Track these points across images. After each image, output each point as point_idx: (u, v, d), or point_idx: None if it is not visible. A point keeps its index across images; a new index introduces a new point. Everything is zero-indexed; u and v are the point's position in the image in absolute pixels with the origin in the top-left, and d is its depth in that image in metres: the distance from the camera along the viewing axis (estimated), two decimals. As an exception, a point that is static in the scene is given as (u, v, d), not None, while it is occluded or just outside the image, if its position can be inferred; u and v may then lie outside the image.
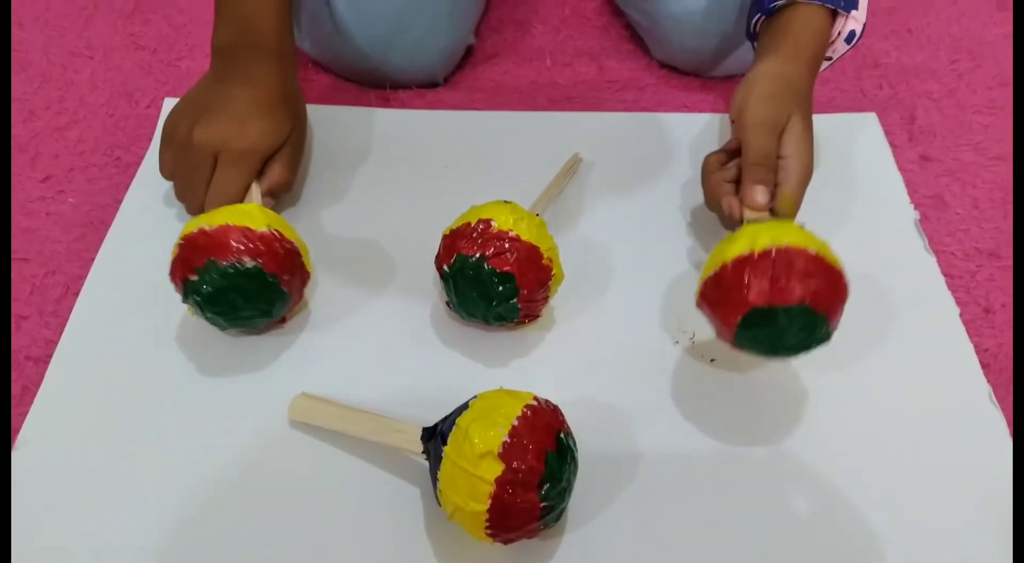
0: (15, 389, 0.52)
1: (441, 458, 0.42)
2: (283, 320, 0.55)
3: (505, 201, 0.53)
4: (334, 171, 0.64)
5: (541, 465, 0.40)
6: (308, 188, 0.63)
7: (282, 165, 0.56)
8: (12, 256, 0.59)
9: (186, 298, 0.50)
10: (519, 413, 0.41)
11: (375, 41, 0.67)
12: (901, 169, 0.65)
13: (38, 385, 0.51)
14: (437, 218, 0.54)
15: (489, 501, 0.40)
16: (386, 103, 0.69)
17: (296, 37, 0.71)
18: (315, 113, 0.67)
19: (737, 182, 0.54)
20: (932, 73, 0.73)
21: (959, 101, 0.71)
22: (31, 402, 0.50)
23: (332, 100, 0.69)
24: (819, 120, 0.68)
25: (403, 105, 0.69)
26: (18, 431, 0.49)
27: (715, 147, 0.67)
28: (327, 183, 0.63)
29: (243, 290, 0.49)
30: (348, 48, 0.68)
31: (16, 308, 0.56)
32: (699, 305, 0.49)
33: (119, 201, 0.61)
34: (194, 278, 0.48)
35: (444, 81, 0.72)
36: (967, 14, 0.79)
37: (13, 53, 0.74)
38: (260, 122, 0.54)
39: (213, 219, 0.50)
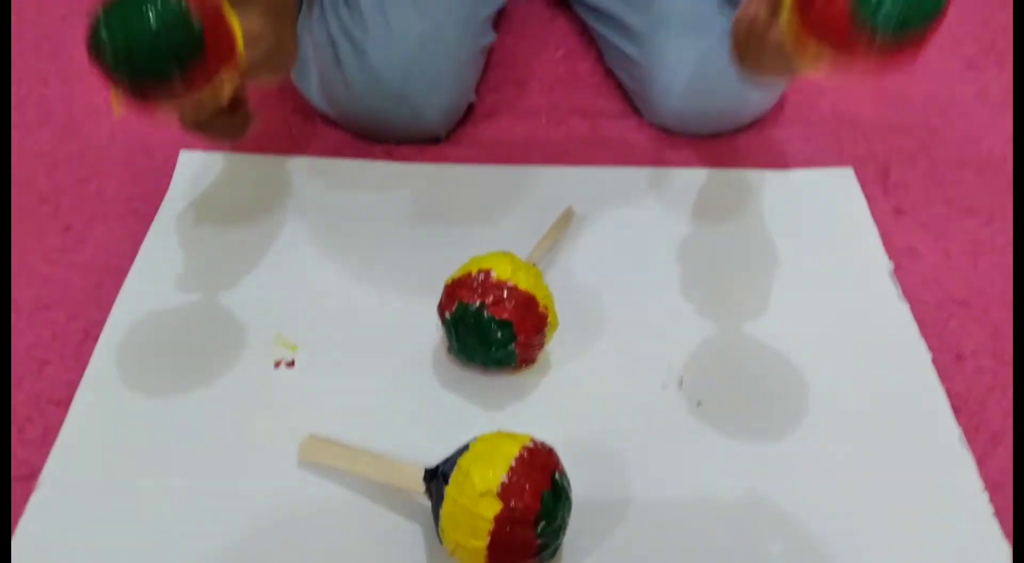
0: (37, 430, 0.54)
1: (443, 497, 0.45)
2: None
3: (504, 252, 0.56)
4: (342, 221, 0.67)
5: (537, 504, 0.43)
6: (317, 237, 0.66)
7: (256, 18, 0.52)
8: (35, 303, 0.62)
9: (90, 52, 0.45)
10: (517, 454, 0.44)
11: (383, 100, 0.71)
12: (876, 221, 0.69)
13: (60, 427, 0.54)
14: (439, 267, 0.57)
15: (488, 538, 0.43)
16: (392, 157, 0.73)
17: (308, 92, 0.75)
18: (325, 166, 0.72)
19: None
20: (905, 130, 0.78)
21: (931, 156, 0.75)
22: (52, 444, 0.53)
23: (342, 153, 0.73)
24: (798, 174, 0.72)
25: (408, 159, 0.73)
26: (39, 471, 0.52)
27: (704, 200, 0.71)
28: (336, 232, 0.66)
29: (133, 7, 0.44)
30: (357, 106, 0.72)
31: (39, 353, 0.59)
32: (812, 45, 0.43)
33: (136, 249, 0.65)
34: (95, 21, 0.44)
35: (446, 137, 0.75)
36: (938, 75, 0.84)
37: (37, 109, 0.78)
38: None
39: None
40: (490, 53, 0.81)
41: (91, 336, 0.59)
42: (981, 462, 0.54)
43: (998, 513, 0.51)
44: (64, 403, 0.55)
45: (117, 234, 0.67)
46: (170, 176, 0.71)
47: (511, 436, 0.46)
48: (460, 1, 0.73)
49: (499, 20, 0.80)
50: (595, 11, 0.81)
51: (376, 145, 0.74)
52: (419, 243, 0.66)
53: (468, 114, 0.77)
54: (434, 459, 0.47)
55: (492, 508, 0.43)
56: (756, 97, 0.74)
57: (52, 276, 0.64)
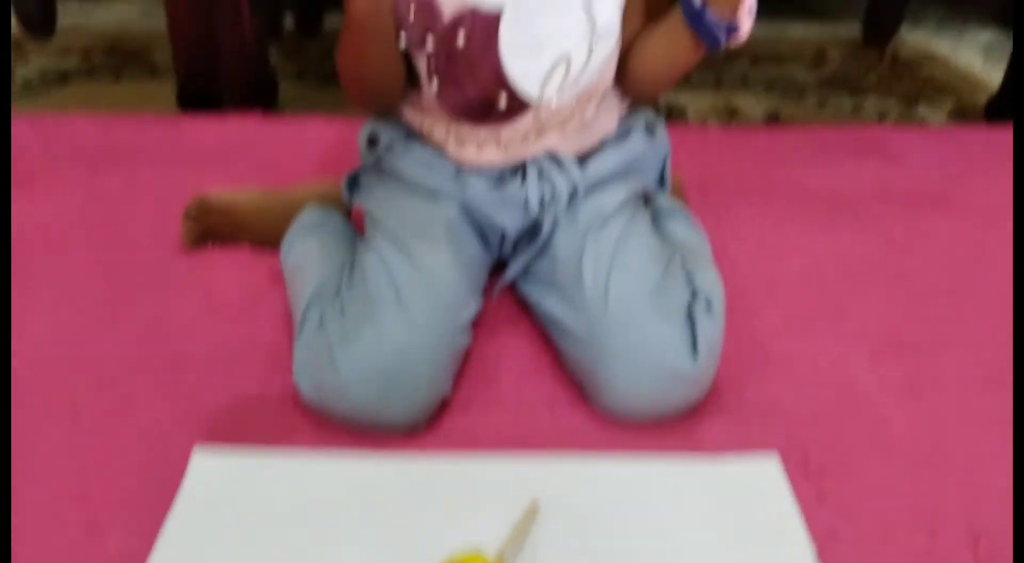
0: None
1: None
2: None
3: (476, 555, 0.66)
4: (331, 513, 0.77)
5: None
6: (309, 529, 0.75)
7: None
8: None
9: None
10: None
11: (368, 399, 0.83)
12: (800, 502, 0.79)
13: None
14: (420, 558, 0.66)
15: None
16: (379, 445, 0.84)
17: (306, 392, 0.87)
18: (320, 462, 0.82)
19: None
20: (821, 418, 0.90)
21: (847, 442, 0.87)
22: None
23: (335, 442, 0.85)
24: (730, 461, 0.84)
25: (393, 447, 0.84)
26: None
27: (659, 485, 0.81)
28: (325, 524, 0.76)
29: None
30: (347, 404, 0.84)
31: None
32: None
33: (153, 541, 0.73)
34: None
35: (425, 427, 0.87)
36: (845, 364, 0.98)
37: (70, 407, 0.90)
38: None
39: None
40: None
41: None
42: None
43: None
44: None
45: (136, 527, 0.75)
46: (183, 471, 0.81)
47: None
48: (444, 310, 0.88)
49: (473, 321, 0.94)
50: (546, 317, 0.96)
51: (363, 434, 0.85)
52: (404, 535, 0.74)
53: (445, 406, 0.89)
54: None
55: None
56: (688, 392, 0.87)
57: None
